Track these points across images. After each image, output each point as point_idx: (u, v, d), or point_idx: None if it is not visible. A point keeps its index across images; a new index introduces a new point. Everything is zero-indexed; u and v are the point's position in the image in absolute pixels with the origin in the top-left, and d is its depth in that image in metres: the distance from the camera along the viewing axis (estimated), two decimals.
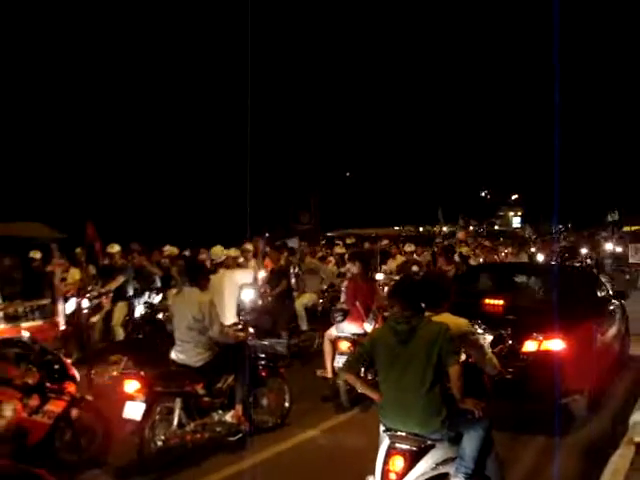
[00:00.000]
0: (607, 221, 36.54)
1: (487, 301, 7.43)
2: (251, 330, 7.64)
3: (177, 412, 6.42)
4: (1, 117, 29.78)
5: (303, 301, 12.23)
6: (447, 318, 4.81)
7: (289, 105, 42.55)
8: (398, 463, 4.30)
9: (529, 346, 7.33)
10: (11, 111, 30.99)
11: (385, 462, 4.36)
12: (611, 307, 9.69)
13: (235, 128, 39.46)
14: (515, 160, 59.61)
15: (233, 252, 10.39)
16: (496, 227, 58.22)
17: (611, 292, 10.22)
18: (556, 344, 7.34)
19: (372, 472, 4.44)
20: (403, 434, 4.42)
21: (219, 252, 10.27)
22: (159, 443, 6.26)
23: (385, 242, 19.74)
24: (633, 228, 34.25)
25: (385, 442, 4.46)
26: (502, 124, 61.08)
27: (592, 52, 59.73)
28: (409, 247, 15.40)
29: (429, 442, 4.40)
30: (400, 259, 15.48)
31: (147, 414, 6.17)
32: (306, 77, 44.45)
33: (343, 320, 8.64)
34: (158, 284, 12.37)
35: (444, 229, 23.37)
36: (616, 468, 5.23)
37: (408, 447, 4.36)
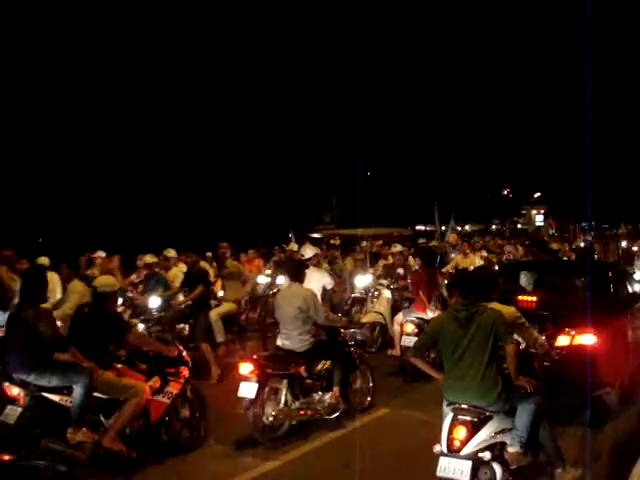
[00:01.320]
0: None
1: (521, 297, 7.65)
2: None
3: (284, 392, 7.18)
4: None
5: (219, 310, 10.66)
6: (497, 307, 5.57)
7: (312, 106, 42.94)
8: (461, 432, 4.95)
9: (562, 341, 7.53)
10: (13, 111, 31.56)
11: (450, 432, 4.99)
12: None
13: (260, 131, 39.98)
14: (537, 158, 59.39)
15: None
16: (519, 226, 57.96)
17: None
18: (588, 339, 7.57)
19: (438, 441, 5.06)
20: (465, 407, 5.10)
21: None
22: (270, 419, 7.05)
23: (378, 242, 19.17)
24: None
25: (449, 415, 5.11)
26: (524, 122, 60.93)
27: (615, 50, 59.40)
28: (395, 247, 14.35)
29: (488, 414, 5.08)
30: (392, 260, 14.68)
31: (259, 393, 6.92)
32: (329, 78, 44.78)
33: (409, 307, 10.50)
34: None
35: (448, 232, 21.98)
36: None
37: (470, 418, 5.03)
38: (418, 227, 57.70)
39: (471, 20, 70.48)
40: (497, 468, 5.04)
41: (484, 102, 64.15)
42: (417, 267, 11.32)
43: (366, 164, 52.55)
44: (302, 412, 7.28)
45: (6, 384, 6.06)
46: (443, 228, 22.48)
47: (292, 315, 7.55)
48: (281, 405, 7.14)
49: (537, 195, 67.70)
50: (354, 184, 49.11)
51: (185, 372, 6.98)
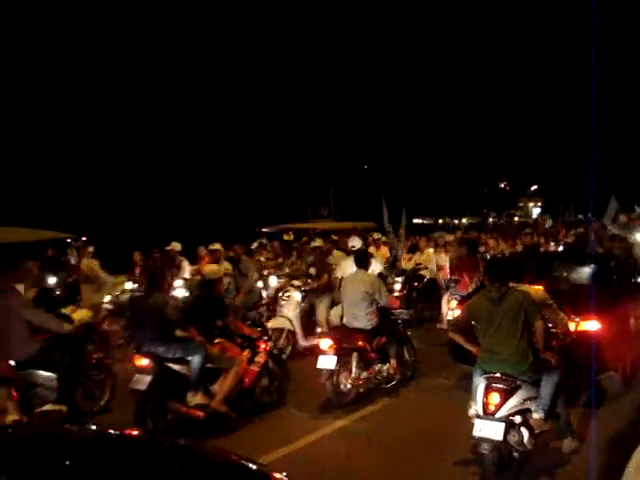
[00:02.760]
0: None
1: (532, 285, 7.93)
2: None
3: (354, 364, 8.30)
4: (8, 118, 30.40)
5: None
6: (528, 288, 6.38)
7: (310, 102, 43.14)
8: (495, 398, 5.58)
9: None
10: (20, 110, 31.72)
11: (485, 397, 5.61)
12: None
13: (256, 126, 40.16)
14: (534, 151, 59.59)
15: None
16: (516, 218, 58.26)
17: None
18: (592, 325, 8.03)
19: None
20: (498, 375, 5.73)
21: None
22: (348, 386, 8.26)
23: (335, 238, 17.85)
24: None
25: (482, 383, 5.72)
26: (521, 116, 61.12)
27: (615, 42, 59.60)
28: (314, 243, 13.60)
29: (518, 382, 5.71)
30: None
31: (338, 364, 8.08)
32: (327, 74, 44.99)
33: (455, 287, 11.74)
34: None
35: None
36: None
37: (502, 386, 5.65)
38: (415, 220, 58.01)
39: (465, 14, 70.74)
40: (524, 431, 5.67)
41: (481, 96, 64.33)
42: (462, 253, 12.19)
43: (363, 158, 52.81)
44: (368, 381, 8.46)
45: (136, 356, 7.12)
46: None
47: (360, 298, 8.58)
48: (353, 375, 8.26)
49: (534, 188, 67.96)
50: (351, 178, 49.46)
51: (267, 346, 8.16)
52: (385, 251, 15.85)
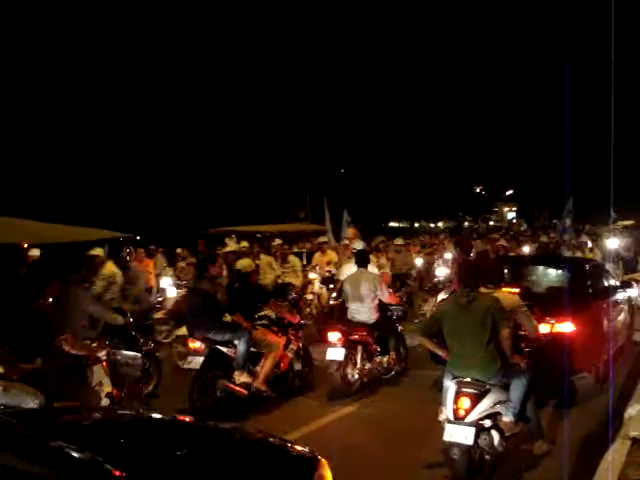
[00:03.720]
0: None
1: (504, 289, 8.10)
2: None
3: (359, 355, 8.85)
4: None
5: None
6: (503, 294, 6.49)
7: (288, 106, 43.28)
8: (465, 402, 5.61)
9: (542, 329, 8.03)
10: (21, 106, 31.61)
11: (454, 402, 5.63)
12: (618, 296, 10.52)
13: (235, 129, 40.19)
14: (510, 155, 60.12)
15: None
16: (491, 222, 58.71)
17: (618, 282, 11.09)
18: (567, 327, 8.17)
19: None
20: (468, 380, 5.76)
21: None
22: (356, 376, 8.81)
23: (277, 242, 16.50)
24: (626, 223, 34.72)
25: (452, 387, 5.74)
26: (497, 121, 61.71)
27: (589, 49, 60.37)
28: (355, 244, 12.86)
29: (487, 387, 5.75)
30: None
31: (345, 357, 8.64)
32: (304, 77, 45.15)
33: (450, 287, 11.15)
34: None
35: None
36: (612, 462, 5.60)
37: (472, 390, 5.69)
38: (392, 224, 58.34)
39: (439, 19, 71.20)
40: (495, 434, 5.76)
41: (458, 101, 64.84)
42: (456, 255, 12.63)
43: (340, 161, 53.00)
44: (371, 372, 9.03)
45: (190, 339, 8.04)
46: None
47: (363, 294, 9.14)
48: (359, 366, 8.82)
49: (509, 192, 68.56)
50: (329, 181, 49.63)
51: (300, 334, 9.00)
52: (332, 256, 15.10)
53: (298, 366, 8.93)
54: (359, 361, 8.85)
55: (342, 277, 10.87)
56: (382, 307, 9.47)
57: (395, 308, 9.86)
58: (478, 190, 69.75)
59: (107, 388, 6.67)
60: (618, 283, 11.06)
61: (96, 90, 36.60)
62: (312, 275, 14.57)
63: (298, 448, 3.83)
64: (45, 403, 5.50)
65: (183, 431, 3.97)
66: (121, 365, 7.03)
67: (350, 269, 10.31)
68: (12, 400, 5.39)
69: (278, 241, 15.88)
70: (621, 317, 10.49)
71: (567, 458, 6.26)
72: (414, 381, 9.49)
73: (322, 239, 16.48)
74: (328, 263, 14.65)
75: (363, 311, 9.19)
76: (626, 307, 11.05)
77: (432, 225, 61.55)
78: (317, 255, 15.24)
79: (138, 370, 7.29)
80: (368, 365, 8.98)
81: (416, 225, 60.63)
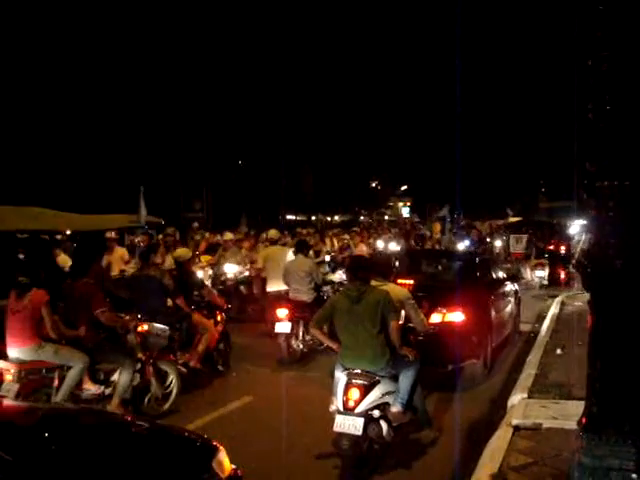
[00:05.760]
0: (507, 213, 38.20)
1: (399, 281, 8.35)
2: None
3: (301, 329, 10.17)
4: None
5: None
6: (391, 287, 6.60)
7: (183, 96, 42.70)
8: (355, 394, 5.70)
9: (435, 318, 8.39)
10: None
11: (344, 393, 5.72)
12: (505, 288, 11.10)
13: (131, 121, 39.33)
14: (405, 151, 61.29)
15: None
16: (386, 217, 59.83)
17: (505, 275, 11.64)
18: (457, 316, 8.55)
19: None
20: (358, 371, 5.84)
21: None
22: (300, 346, 10.22)
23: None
24: (513, 220, 36.17)
25: (343, 379, 5.83)
26: (392, 116, 62.84)
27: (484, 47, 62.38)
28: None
29: (377, 378, 5.87)
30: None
31: (291, 330, 9.89)
32: (202, 72, 44.68)
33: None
34: None
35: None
36: (495, 449, 5.91)
37: (362, 382, 5.77)
38: (288, 217, 58.54)
39: (335, 17, 71.64)
40: (383, 424, 5.83)
41: (354, 95, 65.60)
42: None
43: (238, 153, 52.66)
44: (310, 343, 10.23)
45: (140, 323, 7.86)
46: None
47: (302, 277, 10.36)
48: (300, 338, 10.18)
49: (404, 188, 69.98)
50: (226, 172, 49.27)
51: (223, 316, 9.68)
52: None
53: (221, 346, 9.54)
54: (300, 334, 10.17)
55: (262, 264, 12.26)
56: (317, 287, 10.66)
57: (327, 289, 11.36)
58: (374, 185, 70.96)
59: (138, 354, 7.45)
60: (505, 276, 11.63)
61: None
62: None
63: (197, 437, 4.12)
64: (89, 363, 6.75)
65: (89, 421, 4.25)
66: (151, 335, 7.82)
67: (282, 255, 11.80)
68: (62, 360, 6.67)
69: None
70: (508, 308, 10.99)
71: (454, 446, 6.46)
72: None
73: (169, 230, 16.75)
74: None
75: (303, 291, 10.37)
76: (513, 299, 11.61)
77: (328, 218, 62.21)
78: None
79: (166, 340, 8.02)
80: (307, 337, 10.15)
81: (313, 218, 60.98)
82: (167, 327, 8.09)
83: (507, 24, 69.91)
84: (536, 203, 49.70)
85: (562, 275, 19.79)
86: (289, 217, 58.25)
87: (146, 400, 7.42)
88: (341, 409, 5.68)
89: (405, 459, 6.16)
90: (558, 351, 9.73)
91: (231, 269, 14.02)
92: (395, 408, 5.92)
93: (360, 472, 5.76)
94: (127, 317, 7.63)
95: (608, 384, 3.77)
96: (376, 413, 5.79)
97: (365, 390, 5.72)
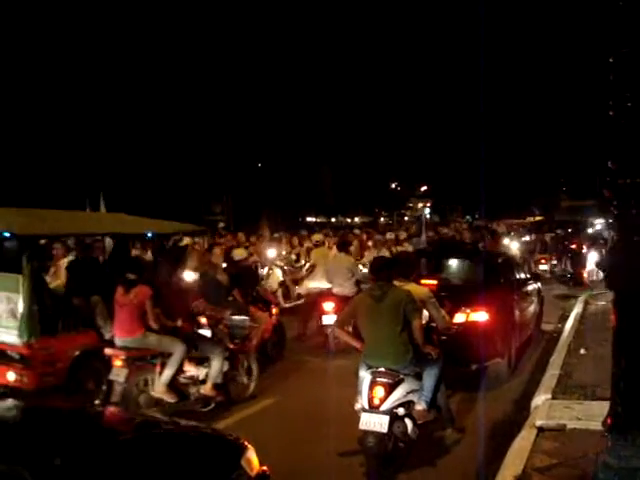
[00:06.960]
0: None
1: (423, 281, 8.35)
2: None
3: None
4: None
5: None
6: (413, 286, 6.57)
7: (203, 102, 42.93)
8: (380, 392, 5.77)
9: (459, 318, 8.38)
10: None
11: (369, 391, 5.78)
12: (529, 287, 11.08)
13: (154, 128, 39.61)
14: (425, 151, 60.99)
15: None
16: (406, 218, 59.63)
17: (529, 275, 11.63)
18: (481, 316, 8.55)
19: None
20: (382, 370, 5.90)
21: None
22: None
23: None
24: (532, 219, 36.02)
25: (367, 377, 5.89)
26: (413, 116, 62.68)
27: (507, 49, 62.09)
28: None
29: (401, 376, 5.93)
30: None
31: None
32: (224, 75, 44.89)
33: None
34: None
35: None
36: (519, 450, 5.89)
37: (386, 380, 5.84)
38: (308, 219, 58.59)
39: (343, 14, 71.33)
40: (408, 422, 5.91)
41: (373, 96, 65.49)
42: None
43: (258, 155, 52.79)
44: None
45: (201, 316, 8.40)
46: None
47: (344, 272, 11.23)
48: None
49: (424, 188, 69.75)
50: (245, 175, 49.41)
51: (276, 309, 10.66)
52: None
53: (274, 338, 10.41)
54: None
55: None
56: (357, 283, 11.34)
57: (364, 286, 11.51)
58: (393, 186, 70.76)
59: (227, 343, 8.11)
60: (529, 275, 11.60)
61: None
62: None
63: (227, 435, 4.26)
64: (187, 350, 7.41)
65: (120, 422, 4.42)
66: (234, 327, 8.47)
67: (323, 255, 13.09)
68: (165, 348, 7.37)
69: None
70: (531, 308, 10.97)
71: (477, 446, 6.43)
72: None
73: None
74: None
75: (346, 285, 11.14)
76: (536, 298, 11.57)
77: (349, 220, 62.21)
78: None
79: (246, 330, 8.67)
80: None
81: (333, 220, 61.02)
82: (247, 318, 8.79)
83: (529, 23, 69.63)
84: (557, 202, 49.36)
85: (584, 274, 19.64)
86: (309, 219, 58.32)
87: (232, 386, 8.19)
88: (366, 407, 5.74)
89: (429, 458, 6.17)
90: (582, 351, 9.64)
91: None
92: (419, 406, 6.00)
93: (386, 470, 5.79)
94: (219, 310, 8.47)
95: (633, 383, 3.75)
96: (401, 411, 5.86)
97: (390, 388, 5.79)
